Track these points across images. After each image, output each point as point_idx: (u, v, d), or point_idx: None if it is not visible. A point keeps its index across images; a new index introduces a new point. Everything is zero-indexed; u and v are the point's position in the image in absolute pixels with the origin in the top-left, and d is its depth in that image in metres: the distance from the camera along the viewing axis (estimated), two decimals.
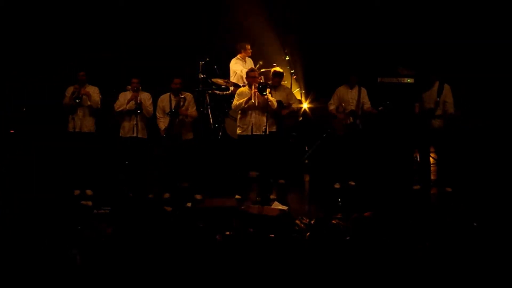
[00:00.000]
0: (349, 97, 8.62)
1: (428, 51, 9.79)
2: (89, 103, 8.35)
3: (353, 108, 8.55)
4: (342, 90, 8.70)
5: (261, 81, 8.16)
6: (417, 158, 8.69)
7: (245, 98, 7.98)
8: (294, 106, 8.84)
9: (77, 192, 8.24)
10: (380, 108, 8.65)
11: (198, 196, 7.98)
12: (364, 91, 8.67)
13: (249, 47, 9.99)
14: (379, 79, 9.88)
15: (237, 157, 8.33)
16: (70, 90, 8.37)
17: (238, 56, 10.07)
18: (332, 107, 8.72)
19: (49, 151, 9.12)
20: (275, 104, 8.08)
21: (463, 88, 8.69)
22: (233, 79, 9.99)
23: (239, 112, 8.15)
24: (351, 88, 8.66)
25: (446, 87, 8.28)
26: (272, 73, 8.83)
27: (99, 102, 8.47)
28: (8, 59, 10.34)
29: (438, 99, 8.22)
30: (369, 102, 8.65)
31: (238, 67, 9.85)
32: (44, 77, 10.22)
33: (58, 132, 8.70)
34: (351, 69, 8.78)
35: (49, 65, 10.48)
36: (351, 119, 8.53)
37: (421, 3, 10.28)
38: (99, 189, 8.26)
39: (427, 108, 8.28)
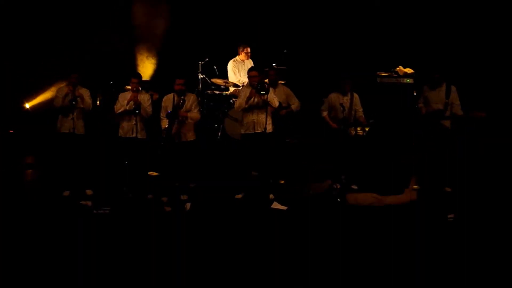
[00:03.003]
0: (341, 104, 8.50)
1: (432, 51, 9.78)
2: (82, 106, 8.33)
3: (345, 114, 8.40)
4: (334, 97, 8.61)
5: (260, 81, 8.11)
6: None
7: (246, 98, 7.98)
8: (293, 107, 8.81)
9: (66, 193, 8.22)
10: (371, 121, 8.53)
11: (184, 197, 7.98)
12: (356, 98, 8.56)
13: (248, 50, 9.99)
14: (378, 79, 9.87)
15: (239, 156, 8.32)
16: (61, 91, 8.35)
17: (237, 57, 10.07)
18: (324, 114, 8.66)
19: (46, 152, 9.14)
20: (276, 103, 8.06)
21: (466, 87, 8.68)
22: (231, 79, 10.00)
23: (242, 111, 8.13)
24: (344, 94, 8.57)
25: (453, 88, 8.25)
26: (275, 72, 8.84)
27: (91, 105, 8.49)
28: (6, 58, 10.35)
29: (447, 100, 8.19)
30: (361, 109, 8.55)
31: (231, 75, 9.89)
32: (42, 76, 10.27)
33: (54, 133, 8.71)
34: (344, 74, 8.67)
35: (48, 65, 10.51)
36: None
37: (421, 3, 10.29)
38: (98, 189, 8.24)
39: (435, 109, 8.25)
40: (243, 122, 8.16)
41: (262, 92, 7.80)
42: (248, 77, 8.28)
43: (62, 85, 8.57)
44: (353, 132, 8.53)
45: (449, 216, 7.28)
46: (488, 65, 9.84)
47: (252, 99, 7.97)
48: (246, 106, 8.00)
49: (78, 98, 8.25)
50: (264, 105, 7.91)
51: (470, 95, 8.68)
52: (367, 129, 8.57)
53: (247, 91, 8.08)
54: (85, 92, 8.41)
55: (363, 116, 8.52)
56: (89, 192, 8.21)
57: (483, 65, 9.84)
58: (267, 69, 9.02)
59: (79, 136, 8.33)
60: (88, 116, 8.58)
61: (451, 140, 8.28)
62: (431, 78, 8.38)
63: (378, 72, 9.90)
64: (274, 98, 8.00)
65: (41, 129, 9.37)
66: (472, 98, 8.58)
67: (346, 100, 8.51)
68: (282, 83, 9.03)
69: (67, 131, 8.27)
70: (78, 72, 8.41)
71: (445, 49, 9.92)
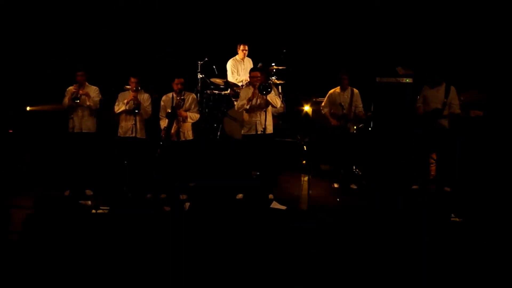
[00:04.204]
0: (341, 100, 8.46)
1: (431, 52, 9.79)
2: (88, 103, 8.31)
3: (344, 111, 8.42)
4: (334, 93, 8.59)
5: (263, 81, 8.07)
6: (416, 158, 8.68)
7: (247, 99, 7.96)
8: (273, 110, 8.60)
9: (66, 192, 8.22)
10: (368, 114, 8.53)
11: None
12: (357, 94, 8.53)
13: (246, 47, 9.96)
14: (377, 79, 9.87)
15: (239, 156, 8.30)
16: (69, 90, 8.35)
17: (236, 56, 10.07)
18: (325, 110, 8.66)
19: (49, 151, 9.13)
20: (278, 103, 8.03)
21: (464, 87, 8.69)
22: (230, 78, 9.99)
23: (244, 112, 8.10)
24: (343, 90, 8.56)
25: (452, 88, 8.28)
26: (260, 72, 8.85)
27: (99, 102, 8.46)
28: (7, 58, 10.35)
29: (445, 100, 8.21)
30: (361, 106, 8.53)
31: (230, 74, 9.89)
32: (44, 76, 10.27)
33: (58, 132, 8.70)
34: (343, 71, 8.64)
35: (49, 65, 10.51)
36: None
37: (421, 3, 10.30)
38: (98, 189, 8.25)
39: (433, 108, 8.27)
40: (244, 122, 8.13)
41: (264, 93, 7.77)
42: (250, 77, 8.24)
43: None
44: (352, 129, 8.52)
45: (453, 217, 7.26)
46: (487, 65, 9.85)
47: (254, 99, 7.94)
48: (247, 107, 7.97)
49: (83, 96, 8.23)
50: (265, 105, 7.89)
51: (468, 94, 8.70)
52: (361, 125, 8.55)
53: (249, 91, 8.04)
54: (92, 90, 8.38)
55: (363, 111, 8.52)
56: (89, 192, 8.22)
57: (482, 65, 9.85)
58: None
59: (85, 134, 8.32)
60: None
61: (450, 139, 8.30)
62: (431, 77, 8.39)
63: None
64: (275, 98, 7.98)
65: (41, 129, 9.38)
66: (470, 98, 8.58)
67: (346, 95, 8.49)
68: (273, 83, 8.95)
69: (71, 131, 8.26)
70: (83, 70, 8.38)
71: (444, 49, 9.91)
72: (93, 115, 8.41)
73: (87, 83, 8.41)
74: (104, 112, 8.73)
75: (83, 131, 8.28)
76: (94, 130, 8.40)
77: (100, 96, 8.48)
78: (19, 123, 9.67)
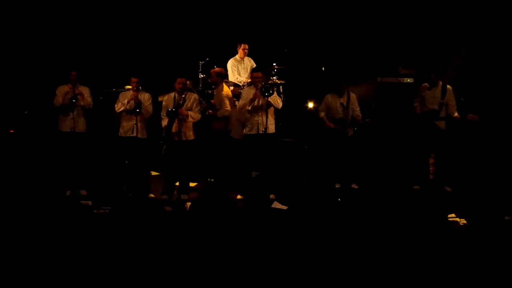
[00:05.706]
0: (337, 104, 8.50)
1: (431, 51, 9.79)
2: (82, 104, 8.32)
3: (341, 116, 8.48)
4: (330, 98, 8.62)
5: (265, 82, 8.09)
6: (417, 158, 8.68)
7: (249, 99, 7.97)
8: (219, 113, 8.61)
9: (67, 192, 8.23)
10: (366, 120, 8.56)
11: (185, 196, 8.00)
12: (353, 97, 8.56)
13: (246, 46, 9.97)
14: (379, 79, 9.87)
15: (241, 156, 8.31)
16: (61, 89, 8.34)
17: (237, 56, 10.07)
18: (322, 114, 8.68)
19: (47, 151, 9.13)
20: (280, 104, 8.05)
21: (463, 88, 8.68)
22: (231, 78, 9.99)
23: (246, 112, 8.10)
24: (340, 95, 8.57)
25: (449, 88, 8.26)
26: (215, 73, 8.84)
27: (91, 103, 8.47)
28: (5, 59, 10.35)
29: (442, 100, 8.20)
30: (358, 108, 8.56)
31: (231, 74, 9.88)
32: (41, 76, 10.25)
33: (54, 132, 8.72)
34: (340, 75, 8.67)
35: (47, 65, 10.50)
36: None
37: (421, 2, 10.30)
38: (98, 189, 8.25)
39: (430, 109, 8.27)
40: (246, 122, 8.14)
41: (266, 94, 7.78)
42: (252, 78, 8.26)
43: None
44: (350, 132, 8.53)
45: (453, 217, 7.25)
46: (487, 66, 9.85)
47: (256, 100, 7.95)
48: (249, 108, 7.97)
49: (79, 96, 8.24)
50: (266, 106, 7.89)
51: (467, 96, 8.69)
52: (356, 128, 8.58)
53: (250, 92, 8.05)
54: (85, 90, 8.40)
55: (360, 115, 8.53)
56: (83, 192, 8.22)
57: (482, 66, 9.85)
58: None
59: (80, 134, 8.32)
60: (89, 114, 8.57)
61: (446, 141, 8.29)
62: (427, 77, 8.40)
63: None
64: (277, 99, 8.00)
65: (41, 129, 9.37)
66: (468, 100, 8.58)
67: (343, 100, 8.52)
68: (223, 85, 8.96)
69: (68, 130, 8.26)
70: (77, 70, 8.38)
71: (444, 49, 9.92)
72: (84, 116, 8.41)
73: (78, 84, 8.40)
74: (101, 112, 8.75)
75: (77, 131, 8.27)
76: (85, 130, 8.39)
77: (91, 96, 8.48)
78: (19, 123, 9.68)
